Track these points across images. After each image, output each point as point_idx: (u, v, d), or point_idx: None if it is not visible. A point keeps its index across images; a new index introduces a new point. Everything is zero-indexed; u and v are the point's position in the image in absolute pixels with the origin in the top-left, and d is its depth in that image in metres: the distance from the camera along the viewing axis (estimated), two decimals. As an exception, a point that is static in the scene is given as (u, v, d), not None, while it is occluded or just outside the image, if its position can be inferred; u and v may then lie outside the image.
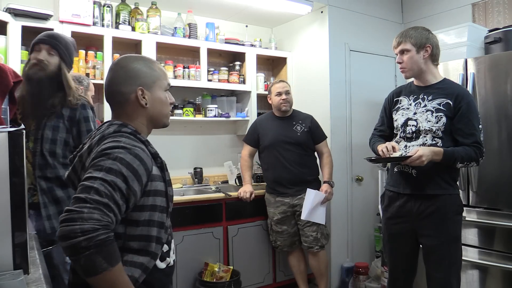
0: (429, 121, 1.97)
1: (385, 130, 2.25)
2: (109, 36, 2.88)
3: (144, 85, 1.21)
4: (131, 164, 1.06)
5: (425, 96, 2.02)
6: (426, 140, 1.98)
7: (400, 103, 2.13)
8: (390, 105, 2.21)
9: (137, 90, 1.20)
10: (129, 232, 1.11)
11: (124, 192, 1.03)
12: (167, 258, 1.21)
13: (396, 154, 1.97)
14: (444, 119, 1.94)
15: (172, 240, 1.29)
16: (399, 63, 2.04)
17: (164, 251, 1.20)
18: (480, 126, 1.96)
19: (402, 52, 2.02)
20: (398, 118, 2.10)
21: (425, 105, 2.00)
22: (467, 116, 1.92)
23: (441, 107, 1.96)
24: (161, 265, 1.19)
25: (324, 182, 2.99)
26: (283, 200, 2.96)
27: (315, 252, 2.93)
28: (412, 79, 2.13)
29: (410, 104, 2.07)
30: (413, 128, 2.02)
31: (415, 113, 2.03)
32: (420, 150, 1.85)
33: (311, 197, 2.87)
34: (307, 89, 3.56)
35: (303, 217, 2.86)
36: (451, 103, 1.94)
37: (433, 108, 1.97)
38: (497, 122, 2.43)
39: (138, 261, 1.10)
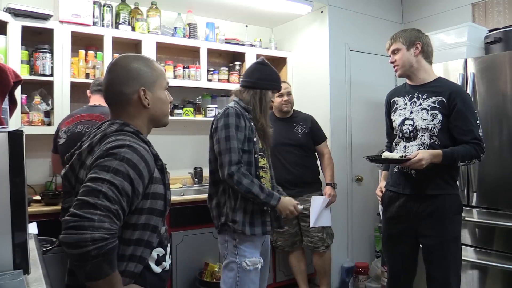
0: (425, 119, 1.97)
1: (390, 136, 2.26)
2: (109, 36, 2.88)
3: (145, 85, 1.20)
4: (138, 166, 1.05)
5: (419, 95, 2.03)
6: (424, 139, 1.98)
7: (397, 104, 2.14)
8: (389, 107, 2.22)
9: (139, 91, 1.19)
10: (125, 236, 1.09)
11: (130, 195, 1.03)
12: (163, 263, 1.20)
13: (396, 156, 1.97)
14: (439, 117, 1.95)
15: (168, 244, 1.27)
16: (392, 62, 2.09)
17: (160, 255, 1.19)
18: (478, 122, 1.96)
19: (394, 52, 2.06)
20: (396, 119, 2.11)
21: (421, 104, 2.01)
22: (463, 113, 1.92)
23: (436, 105, 1.96)
24: (157, 269, 1.17)
25: (327, 184, 2.98)
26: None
27: (321, 252, 2.94)
28: (407, 80, 2.14)
29: (406, 104, 2.08)
30: (410, 128, 2.02)
31: (411, 112, 2.04)
32: (420, 154, 1.85)
33: (318, 204, 2.87)
34: (307, 89, 3.56)
35: (311, 225, 2.86)
36: (445, 101, 1.94)
37: (428, 106, 1.98)
38: (497, 122, 2.43)
39: (130, 270, 1.09)
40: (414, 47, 2.02)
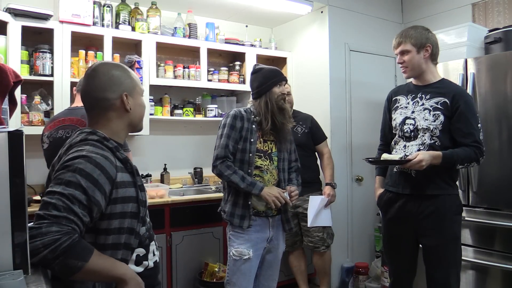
0: (427, 120, 1.97)
1: (386, 135, 2.24)
2: (109, 36, 2.88)
3: (127, 91, 1.26)
4: (91, 175, 1.09)
5: (423, 95, 2.02)
6: (425, 139, 1.97)
7: (398, 102, 2.13)
8: (390, 104, 2.21)
9: (122, 96, 1.24)
10: (99, 242, 1.13)
11: (85, 203, 1.06)
12: (144, 262, 1.24)
13: (396, 157, 1.97)
14: (441, 118, 1.94)
15: (153, 243, 1.30)
16: (400, 63, 2.05)
17: (141, 255, 1.23)
18: (480, 125, 1.95)
19: (403, 53, 2.02)
20: (397, 117, 2.10)
21: (423, 104, 2.00)
22: (466, 115, 1.91)
23: (439, 106, 1.95)
24: (137, 269, 1.22)
25: (327, 184, 2.98)
26: (284, 201, 2.95)
27: (321, 252, 2.94)
28: (412, 80, 2.13)
29: (408, 103, 2.07)
30: (411, 127, 2.01)
31: (413, 112, 2.03)
32: (420, 155, 1.85)
33: (316, 204, 2.87)
34: (307, 89, 3.56)
35: (309, 224, 2.86)
36: (448, 102, 1.94)
37: (431, 106, 1.97)
38: (497, 122, 2.43)
39: None
40: (424, 50, 1.97)
